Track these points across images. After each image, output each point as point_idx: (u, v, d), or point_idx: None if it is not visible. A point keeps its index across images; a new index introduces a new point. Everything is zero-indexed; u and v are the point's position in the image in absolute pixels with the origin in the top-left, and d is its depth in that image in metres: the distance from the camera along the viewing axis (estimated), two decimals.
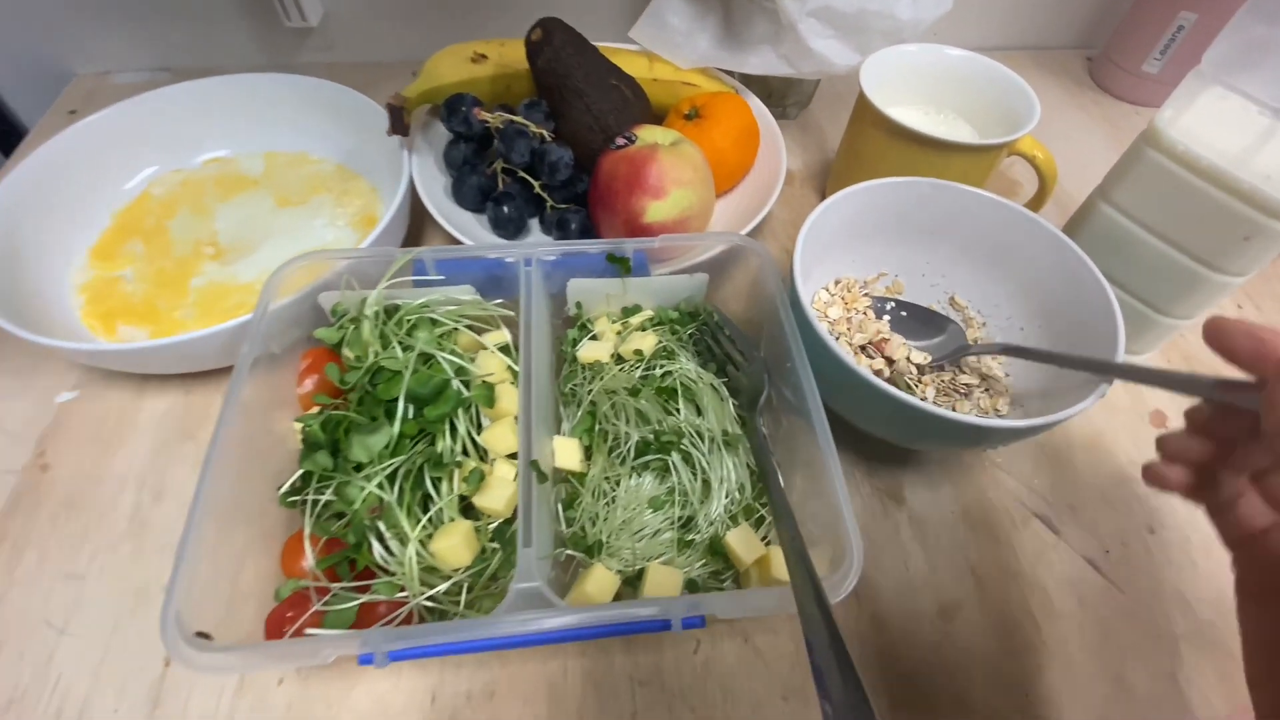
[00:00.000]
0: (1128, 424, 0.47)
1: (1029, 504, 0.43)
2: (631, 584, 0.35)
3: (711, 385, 0.41)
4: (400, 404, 0.34)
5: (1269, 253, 0.36)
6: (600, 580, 0.33)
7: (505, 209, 0.50)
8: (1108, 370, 0.35)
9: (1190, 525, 0.42)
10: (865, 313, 0.44)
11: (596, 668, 0.36)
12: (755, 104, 0.58)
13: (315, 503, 0.34)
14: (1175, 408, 0.48)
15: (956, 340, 0.43)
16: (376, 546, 0.32)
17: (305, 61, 0.71)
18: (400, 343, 0.36)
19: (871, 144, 0.51)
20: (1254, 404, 0.24)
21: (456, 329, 0.40)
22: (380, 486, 0.32)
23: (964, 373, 0.44)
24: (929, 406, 0.34)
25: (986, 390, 0.43)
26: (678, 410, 0.39)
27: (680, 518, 0.36)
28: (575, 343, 0.43)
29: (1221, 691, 0.37)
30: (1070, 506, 0.43)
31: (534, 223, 0.54)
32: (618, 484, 0.37)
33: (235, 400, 0.33)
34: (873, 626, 0.38)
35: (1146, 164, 0.38)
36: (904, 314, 0.46)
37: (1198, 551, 0.41)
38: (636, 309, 0.45)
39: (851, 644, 0.37)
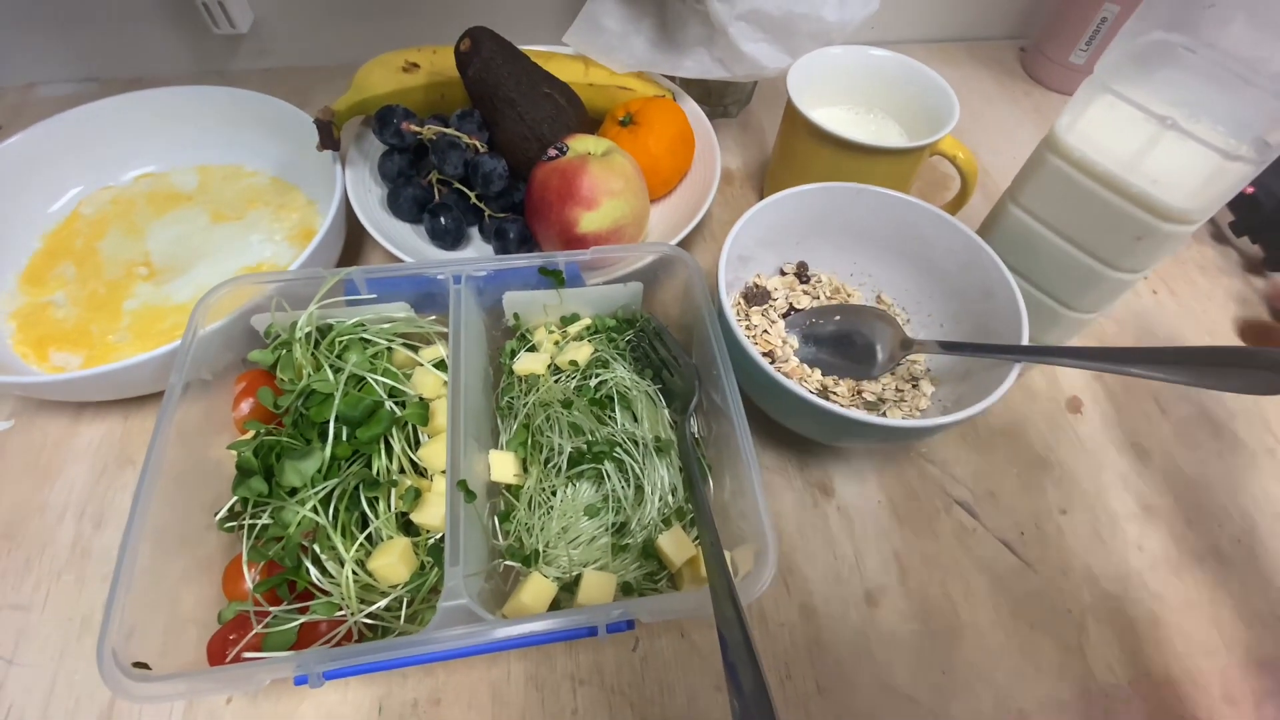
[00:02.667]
0: (1046, 411, 0.49)
1: (951, 491, 0.45)
2: (570, 589, 0.36)
3: (646, 392, 0.42)
4: (331, 427, 0.35)
5: (1160, 251, 0.38)
6: (537, 589, 0.34)
7: (442, 220, 0.50)
8: (1023, 354, 0.37)
9: (1099, 505, 0.45)
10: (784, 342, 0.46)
11: (539, 670, 0.37)
12: (691, 108, 0.58)
13: (253, 527, 0.35)
14: (1090, 393, 0.51)
15: (886, 350, 0.45)
16: (311, 569, 0.33)
17: (240, 68, 0.70)
18: (331, 365, 0.37)
19: (801, 147, 0.52)
20: None
21: (390, 348, 0.40)
22: (314, 510, 0.33)
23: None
24: (847, 411, 0.36)
25: (911, 383, 0.45)
26: (613, 418, 0.40)
27: (614, 523, 0.38)
28: (513, 354, 0.44)
29: (1123, 659, 0.40)
30: (990, 492, 0.45)
31: (475, 231, 0.54)
32: (554, 494, 0.38)
33: (165, 431, 0.34)
34: (802, 615, 0.40)
35: (1048, 168, 0.40)
36: (822, 335, 0.46)
37: (1104, 529, 0.44)
38: (574, 318, 0.46)
39: (781, 632, 0.39)
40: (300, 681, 0.28)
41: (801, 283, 0.49)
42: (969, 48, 0.79)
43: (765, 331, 0.46)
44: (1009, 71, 0.78)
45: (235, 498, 0.35)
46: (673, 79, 0.60)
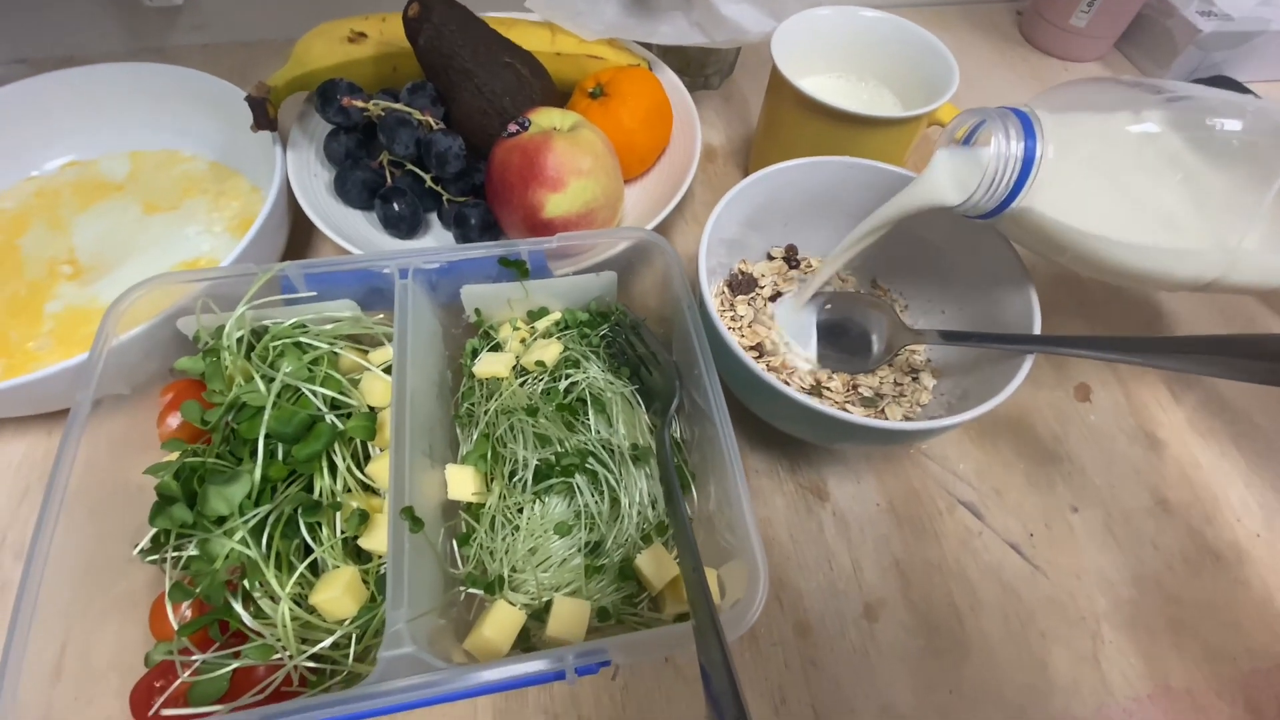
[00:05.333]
0: (1052, 401, 0.46)
1: (954, 491, 0.42)
2: (540, 617, 0.33)
3: (622, 394, 0.38)
4: (261, 445, 0.31)
5: None
6: (501, 620, 0.31)
7: (395, 206, 0.45)
8: (1033, 343, 0.34)
9: (1111, 501, 0.42)
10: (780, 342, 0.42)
11: (509, 705, 0.34)
12: (668, 77, 0.54)
13: (178, 559, 0.31)
14: (1100, 380, 0.47)
15: (883, 341, 0.41)
16: (240, 609, 0.29)
17: (177, 44, 0.64)
18: (263, 375, 0.33)
19: (787, 118, 0.48)
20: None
21: (334, 352, 0.36)
22: (244, 541, 0.29)
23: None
24: (842, 414, 0.32)
25: (911, 376, 0.42)
26: (585, 424, 0.37)
27: (588, 542, 0.34)
28: (475, 354, 0.39)
29: (1142, 669, 0.37)
30: (995, 490, 0.42)
31: (434, 217, 0.50)
32: (520, 511, 0.34)
33: (69, 456, 0.29)
34: (796, 633, 0.37)
35: None
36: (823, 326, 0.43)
37: (1119, 527, 0.41)
38: (543, 312, 0.42)
39: (774, 653, 0.36)
40: None
41: (791, 267, 0.45)
42: (963, 11, 0.75)
43: (752, 323, 0.43)
44: (1005, 36, 0.73)
45: (155, 528, 0.31)
46: (648, 47, 0.56)
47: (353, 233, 0.45)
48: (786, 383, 0.40)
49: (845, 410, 0.39)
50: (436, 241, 0.49)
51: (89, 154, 0.52)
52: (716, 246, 0.40)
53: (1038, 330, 0.35)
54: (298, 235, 0.49)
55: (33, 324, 0.44)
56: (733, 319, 0.43)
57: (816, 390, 0.40)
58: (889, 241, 0.44)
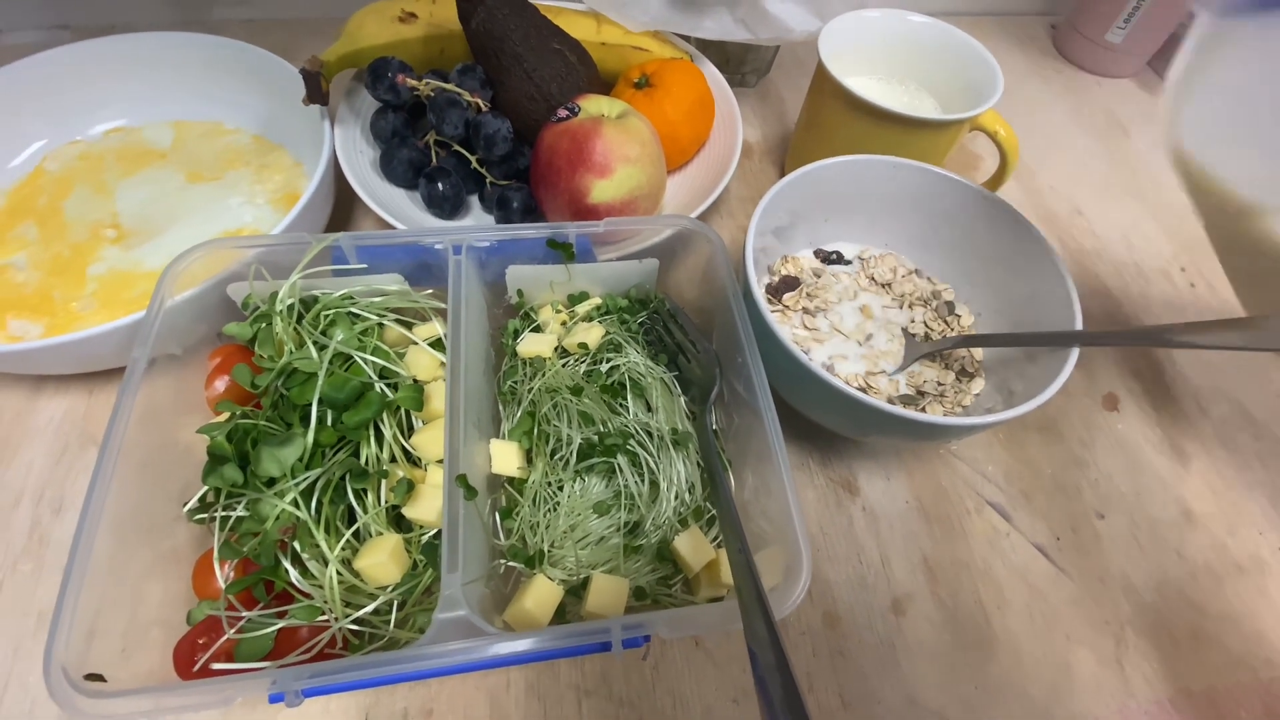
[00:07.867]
0: (1081, 409, 0.46)
1: (983, 492, 0.42)
2: (576, 593, 0.33)
3: (662, 380, 0.39)
4: (314, 411, 0.31)
5: None
6: (541, 593, 0.31)
7: (440, 186, 0.46)
8: (1069, 341, 0.34)
9: (1137, 509, 0.43)
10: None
11: (540, 679, 0.34)
12: (710, 72, 0.54)
13: (226, 519, 0.31)
14: (1128, 390, 0.48)
15: (912, 350, 0.42)
16: (291, 569, 0.29)
17: (220, 18, 0.65)
18: (315, 342, 0.33)
19: (830, 116, 0.48)
20: None
21: (382, 324, 0.36)
22: (295, 503, 0.30)
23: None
24: (886, 405, 0.33)
25: (958, 377, 0.42)
26: (625, 407, 0.37)
27: (627, 522, 0.34)
28: (517, 334, 0.40)
29: (1164, 673, 0.37)
30: (1023, 493, 0.43)
31: (474, 200, 0.50)
32: (561, 488, 0.35)
33: (126, 411, 0.30)
34: (825, 623, 0.37)
35: None
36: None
37: (1144, 535, 0.42)
38: (583, 296, 0.42)
39: (803, 641, 0.37)
40: (276, 700, 0.25)
41: (827, 264, 0.46)
42: (998, 22, 0.75)
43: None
44: (1040, 49, 0.74)
45: (206, 487, 0.31)
46: (689, 40, 0.56)
47: (396, 210, 0.45)
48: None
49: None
50: (477, 223, 0.49)
51: (134, 121, 0.53)
52: (761, 236, 0.40)
53: (1079, 326, 0.35)
54: (338, 211, 0.50)
55: (76, 285, 0.44)
56: (778, 313, 0.43)
57: (864, 388, 0.41)
58: (930, 241, 0.45)
